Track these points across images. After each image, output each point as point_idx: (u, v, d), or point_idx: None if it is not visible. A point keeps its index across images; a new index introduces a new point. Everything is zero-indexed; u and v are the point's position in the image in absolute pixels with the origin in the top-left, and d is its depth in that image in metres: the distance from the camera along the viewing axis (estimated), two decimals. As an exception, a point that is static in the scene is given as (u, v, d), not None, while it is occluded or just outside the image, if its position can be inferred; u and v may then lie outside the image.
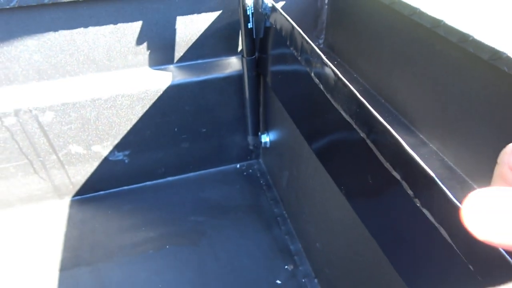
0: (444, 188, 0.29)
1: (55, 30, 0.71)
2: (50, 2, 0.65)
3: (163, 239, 0.82)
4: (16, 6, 0.65)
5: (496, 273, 0.25)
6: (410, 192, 0.34)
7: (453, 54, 0.48)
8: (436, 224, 0.31)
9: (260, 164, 1.00)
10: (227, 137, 0.92)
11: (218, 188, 0.93)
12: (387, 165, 0.36)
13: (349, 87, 0.41)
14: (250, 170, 0.98)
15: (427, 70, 0.54)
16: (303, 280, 0.74)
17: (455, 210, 0.28)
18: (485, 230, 0.18)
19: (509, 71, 0.39)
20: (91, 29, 0.73)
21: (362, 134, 0.40)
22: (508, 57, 0.40)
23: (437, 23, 0.49)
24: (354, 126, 0.42)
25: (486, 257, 0.26)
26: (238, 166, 0.99)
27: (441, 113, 0.53)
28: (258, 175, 0.96)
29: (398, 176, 0.35)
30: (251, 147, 0.94)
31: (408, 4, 0.54)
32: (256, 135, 0.90)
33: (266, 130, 0.91)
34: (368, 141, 0.40)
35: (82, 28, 0.72)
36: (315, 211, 0.70)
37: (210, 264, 0.77)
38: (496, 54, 0.41)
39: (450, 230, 0.30)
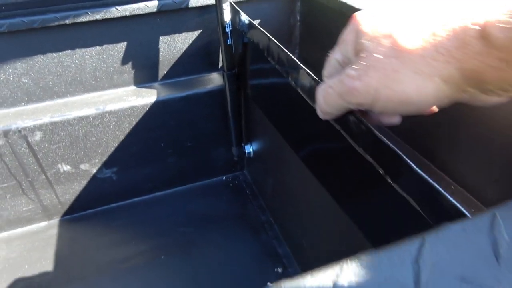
0: (410, 163, 0.34)
1: (43, 53, 0.75)
2: (39, 26, 0.69)
3: (153, 251, 0.84)
4: (6, 31, 0.68)
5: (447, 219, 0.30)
6: (381, 171, 0.38)
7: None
8: (405, 195, 0.35)
9: (245, 175, 1.03)
10: (212, 150, 0.96)
11: (206, 200, 0.96)
12: (360, 151, 0.41)
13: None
14: (236, 181, 1.01)
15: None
16: (293, 281, 0.77)
17: (420, 180, 0.33)
18: (326, 110, 0.35)
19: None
20: (78, 51, 0.76)
21: (338, 127, 0.45)
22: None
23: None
24: (331, 122, 0.47)
25: (442, 211, 0.30)
26: (224, 178, 1.02)
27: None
28: (244, 185, 1.00)
29: (370, 159, 0.39)
30: (235, 158, 0.98)
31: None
32: (240, 146, 0.94)
33: (249, 140, 0.95)
34: (343, 133, 0.44)
35: (69, 50, 0.76)
36: (300, 212, 0.74)
37: (201, 272, 0.79)
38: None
39: (418, 200, 0.34)
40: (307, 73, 0.51)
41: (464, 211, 0.29)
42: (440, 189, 0.31)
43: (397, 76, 0.27)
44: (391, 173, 0.37)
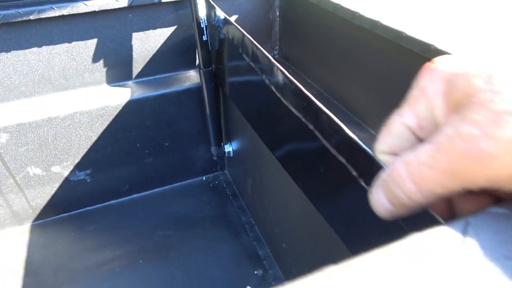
0: (382, 164, 0.32)
1: (7, 50, 0.71)
2: (0, 22, 0.65)
3: (130, 256, 0.81)
4: (-36, 27, 0.64)
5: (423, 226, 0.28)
6: (354, 173, 0.36)
7: (390, 50, 0.52)
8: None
9: (225, 174, 1.01)
10: (190, 150, 0.93)
11: (185, 201, 0.93)
12: (333, 151, 0.39)
13: (295, 84, 0.44)
14: (216, 182, 0.99)
15: (370, 68, 0.58)
16: (273, 283, 0.74)
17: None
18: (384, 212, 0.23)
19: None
20: (45, 48, 0.73)
21: (311, 127, 0.43)
22: (435, 48, 0.44)
23: (374, 23, 0.53)
24: (304, 120, 0.44)
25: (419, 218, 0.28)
26: (203, 178, 0.99)
27: (387, 108, 0.56)
28: (224, 185, 0.97)
29: (343, 160, 0.37)
30: (215, 158, 0.95)
31: (349, 9, 0.59)
32: (219, 145, 0.91)
33: (229, 139, 0.92)
34: (316, 133, 0.42)
35: (35, 48, 0.72)
36: (278, 212, 0.72)
37: (180, 276, 0.76)
38: (425, 47, 0.45)
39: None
40: (281, 70, 0.48)
41: (436, 216, 0.27)
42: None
43: None
44: (364, 174, 0.35)
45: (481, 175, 0.18)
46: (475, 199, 0.21)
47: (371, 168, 0.33)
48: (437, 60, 0.21)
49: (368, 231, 0.39)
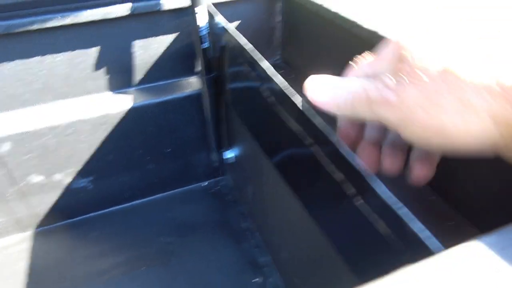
0: (378, 180, 0.32)
1: (11, 60, 0.71)
2: (4, 32, 0.66)
3: (132, 263, 0.81)
4: (-32, 38, 0.65)
5: (422, 249, 0.28)
6: (352, 191, 0.36)
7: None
8: (376, 216, 0.33)
9: (226, 180, 1.01)
10: (192, 156, 0.93)
11: (186, 207, 0.93)
12: (331, 167, 0.39)
13: (297, 99, 0.44)
14: (217, 187, 0.99)
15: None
16: (274, 291, 0.75)
17: (392, 202, 0.31)
18: (321, 99, 0.32)
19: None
20: (48, 56, 0.73)
21: (308, 142, 0.43)
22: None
23: (373, 34, 0.53)
24: (302, 134, 0.45)
25: (415, 239, 0.28)
26: (204, 184, 1.00)
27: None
28: (225, 191, 0.98)
29: (341, 177, 0.37)
30: (216, 164, 0.96)
31: (347, 19, 0.59)
32: (220, 151, 0.92)
33: (230, 146, 0.93)
34: (315, 147, 0.42)
35: (38, 57, 0.73)
36: (278, 220, 0.72)
37: (181, 282, 0.76)
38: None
39: (388, 221, 0.32)
40: (280, 78, 0.49)
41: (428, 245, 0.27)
42: (403, 218, 0.29)
43: (438, 100, 0.23)
44: (362, 192, 0.35)
45: (382, 113, 0.26)
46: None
47: (369, 185, 0.33)
48: (400, 40, 0.28)
49: (365, 245, 0.39)
